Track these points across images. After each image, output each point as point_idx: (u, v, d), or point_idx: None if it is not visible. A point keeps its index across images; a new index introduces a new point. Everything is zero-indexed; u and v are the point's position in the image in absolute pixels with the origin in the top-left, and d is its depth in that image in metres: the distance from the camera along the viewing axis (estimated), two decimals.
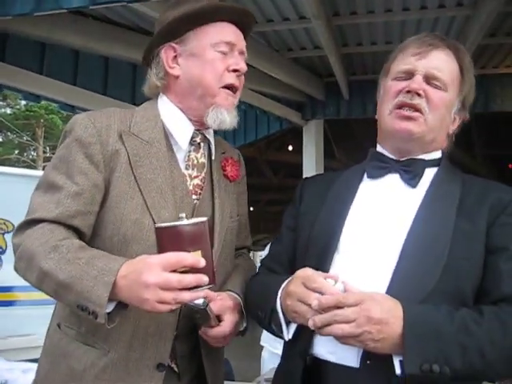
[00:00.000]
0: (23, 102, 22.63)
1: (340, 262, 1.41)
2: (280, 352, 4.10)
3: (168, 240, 1.33)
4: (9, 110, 24.80)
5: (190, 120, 1.60)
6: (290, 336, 1.39)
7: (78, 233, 1.47)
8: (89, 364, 1.44)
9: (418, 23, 4.50)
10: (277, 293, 1.39)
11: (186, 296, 1.27)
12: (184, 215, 1.35)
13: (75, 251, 1.36)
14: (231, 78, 1.57)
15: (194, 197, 1.58)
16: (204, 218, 1.37)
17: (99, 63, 4.59)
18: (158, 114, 1.60)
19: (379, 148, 1.57)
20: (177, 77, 1.58)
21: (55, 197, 1.44)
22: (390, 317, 1.21)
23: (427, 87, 1.45)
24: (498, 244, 1.35)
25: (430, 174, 1.50)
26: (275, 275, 1.56)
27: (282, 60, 5.22)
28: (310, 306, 1.26)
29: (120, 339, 1.44)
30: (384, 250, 1.37)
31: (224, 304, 1.49)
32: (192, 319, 1.49)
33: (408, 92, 1.45)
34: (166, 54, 1.58)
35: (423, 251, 1.33)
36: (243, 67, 1.59)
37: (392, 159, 1.52)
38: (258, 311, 1.49)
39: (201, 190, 1.60)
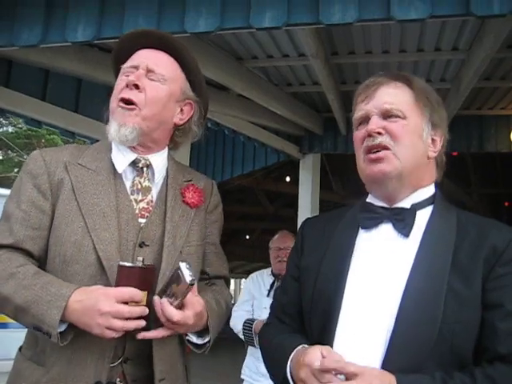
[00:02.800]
0: None
1: (343, 328, 1.41)
2: None
3: (123, 277, 1.46)
4: (11, 129, 24.93)
5: (133, 147, 1.69)
6: None
7: (31, 256, 1.59)
8: (34, 381, 1.52)
9: (415, 65, 4.61)
10: (286, 364, 1.41)
11: (131, 324, 1.43)
12: (141, 259, 1.47)
13: (30, 277, 1.48)
14: (124, 93, 1.63)
15: (140, 220, 1.63)
16: (153, 265, 1.52)
17: (101, 91, 4.67)
18: (110, 146, 1.70)
19: (369, 198, 1.56)
20: None
21: (8, 224, 1.57)
22: None
23: (386, 123, 1.44)
24: (494, 301, 1.32)
25: (423, 217, 1.46)
26: (284, 337, 1.54)
27: (282, 94, 5.31)
28: None
29: (62, 356, 1.51)
30: (381, 313, 1.37)
31: (195, 303, 1.53)
32: (163, 291, 1.52)
33: (369, 136, 1.44)
34: None
35: (417, 317, 1.32)
36: (132, 80, 1.62)
37: (382, 207, 1.50)
38: (270, 374, 1.54)
39: (148, 212, 1.65)
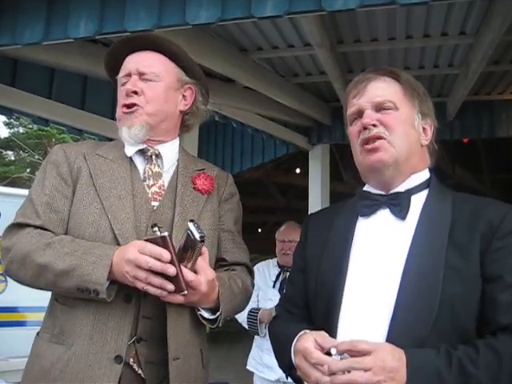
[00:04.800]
0: None
1: (346, 310, 1.45)
2: (266, 376, 4.08)
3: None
4: (21, 130, 25.10)
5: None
6: None
7: None
8: (55, 360, 1.59)
9: (422, 51, 4.55)
10: (290, 352, 1.44)
11: (155, 280, 1.49)
12: (156, 229, 1.53)
13: (69, 244, 1.60)
14: (126, 100, 1.76)
15: (153, 203, 1.74)
16: (165, 233, 1.53)
17: (107, 88, 4.67)
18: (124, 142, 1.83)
19: (366, 187, 1.63)
20: None
21: (33, 208, 1.69)
22: (400, 365, 1.25)
23: (379, 115, 1.52)
24: (493, 273, 1.37)
25: (419, 200, 1.52)
26: (290, 325, 1.58)
27: (288, 85, 5.27)
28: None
29: (82, 333, 1.59)
30: (382, 294, 1.41)
31: (207, 269, 1.58)
32: (177, 251, 1.55)
33: (365, 129, 1.52)
34: None
35: (417, 294, 1.36)
36: (129, 88, 1.75)
37: (379, 195, 1.57)
38: (279, 362, 1.58)
39: (160, 196, 1.76)
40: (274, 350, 1.66)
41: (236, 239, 1.91)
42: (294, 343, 1.43)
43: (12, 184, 18.67)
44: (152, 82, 1.76)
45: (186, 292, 1.50)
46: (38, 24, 2.86)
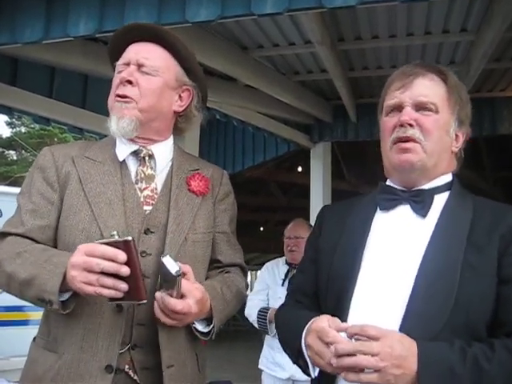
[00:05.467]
0: None
1: (358, 301, 1.44)
2: (277, 374, 4.12)
3: None
4: (24, 129, 25.17)
5: (136, 139, 1.74)
6: (316, 374, 1.42)
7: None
8: (47, 368, 1.56)
9: (423, 48, 4.55)
10: (301, 334, 1.42)
11: (107, 281, 1.41)
12: (115, 233, 1.47)
13: (37, 253, 1.55)
14: (119, 90, 1.69)
15: (145, 207, 1.69)
16: (129, 238, 1.46)
17: (108, 86, 4.66)
18: (116, 139, 1.77)
19: (388, 181, 1.61)
20: None
21: (19, 216, 1.65)
22: (409, 354, 1.24)
23: (418, 115, 1.48)
24: (510, 275, 1.35)
25: (440, 200, 1.51)
26: (301, 311, 1.57)
27: (289, 83, 5.27)
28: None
29: (72, 342, 1.56)
30: (397, 286, 1.40)
31: (193, 291, 1.54)
32: (160, 285, 1.53)
33: (401, 126, 1.48)
34: None
35: (433, 288, 1.35)
36: (124, 76, 1.68)
37: (401, 190, 1.54)
38: (286, 348, 1.56)
39: (153, 200, 1.70)
40: (280, 336, 1.64)
41: (231, 240, 1.88)
42: (308, 325, 1.41)
43: (14, 183, 18.68)
44: (149, 75, 1.69)
45: (145, 301, 1.47)
46: (38, 23, 2.87)
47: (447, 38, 4.30)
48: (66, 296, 1.49)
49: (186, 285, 1.51)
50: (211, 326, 1.64)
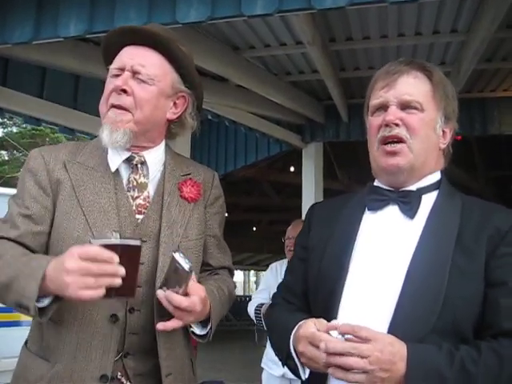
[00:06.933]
0: None
1: (347, 302, 1.44)
2: (275, 373, 4.16)
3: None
4: (15, 129, 25.03)
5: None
6: (307, 375, 1.43)
7: (31, 251, 1.58)
8: (39, 376, 1.53)
9: (414, 49, 4.57)
10: (289, 338, 1.42)
11: (104, 280, 1.35)
12: (117, 235, 1.43)
13: (17, 256, 1.49)
14: (113, 99, 1.62)
15: (137, 216, 1.66)
16: (138, 243, 1.44)
17: (99, 87, 4.64)
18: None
19: (376, 182, 1.60)
20: None
21: (12, 220, 1.60)
22: (398, 359, 1.24)
23: (403, 114, 1.47)
24: (498, 278, 1.36)
25: (429, 200, 1.51)
26: (288, 314, 1.57)
27: (281, 84, 5.28)
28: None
29: (65, 351, 1.53)
30: (385, 288, 1.40)
31: (197, 289, 1.53)
32: (163, 283, 1.51)
33: (386, 125, 1.47)
34: None
35: (421, 290, 1.35)
36: (118, 85, 1.60)
37: (389, 190, 1.54)
38: (276, 351, 1.55)
39: (145, 209, 1.67)
40: (270, 340, 1.64)
41: (220, 243, 1.88)
42: (293, 332, 1.41)
43: (6, 184, 18.59)
44: (145, 83, 1.62)
45: (133, 297, 1.46)
46: (28, 23, 2.86)
47: (438, 38, 4.32)
48: (45, 302, 1.43)
49: (191, 283, 1.50)
50: (208, 327, 1.63)
